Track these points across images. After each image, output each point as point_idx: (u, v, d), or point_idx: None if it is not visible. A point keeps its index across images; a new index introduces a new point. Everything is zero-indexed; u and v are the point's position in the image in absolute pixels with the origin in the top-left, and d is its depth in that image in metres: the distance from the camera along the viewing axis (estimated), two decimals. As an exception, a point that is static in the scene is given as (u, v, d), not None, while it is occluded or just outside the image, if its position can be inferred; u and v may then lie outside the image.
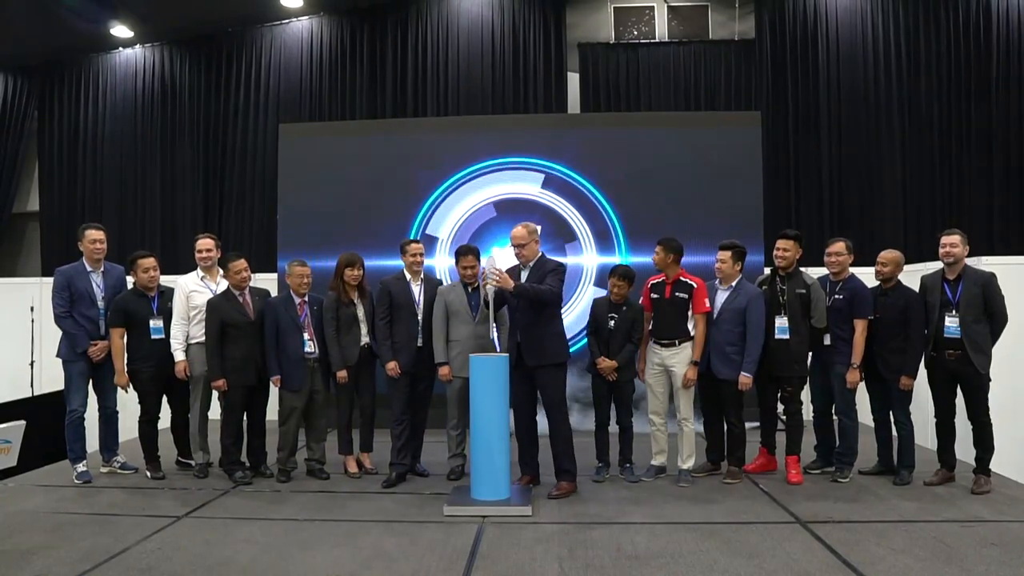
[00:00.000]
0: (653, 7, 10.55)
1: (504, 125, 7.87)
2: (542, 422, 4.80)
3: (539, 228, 4.80)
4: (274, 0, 10.14)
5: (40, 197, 11.30)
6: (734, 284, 4.96)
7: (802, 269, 5.08)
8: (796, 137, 9.72)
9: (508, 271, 4.68)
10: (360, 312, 5.13)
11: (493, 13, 10.31)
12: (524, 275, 4.72)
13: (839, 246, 5.00)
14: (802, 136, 9.72)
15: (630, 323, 5.06)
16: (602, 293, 5.35)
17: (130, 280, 5.29)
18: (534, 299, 4.56)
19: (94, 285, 5.14)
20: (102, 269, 5.22)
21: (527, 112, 9.92)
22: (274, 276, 7.18)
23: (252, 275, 5.15)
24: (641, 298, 5.12)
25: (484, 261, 4.71)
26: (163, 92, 10.89)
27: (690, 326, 4.95)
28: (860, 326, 4.82)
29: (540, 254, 4.77)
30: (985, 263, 5.80)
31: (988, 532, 3.88)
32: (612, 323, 5.07)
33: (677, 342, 4.92)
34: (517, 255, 4.75)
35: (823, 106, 9.67)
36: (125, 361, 5.10)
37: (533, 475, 4.86)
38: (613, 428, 5.19)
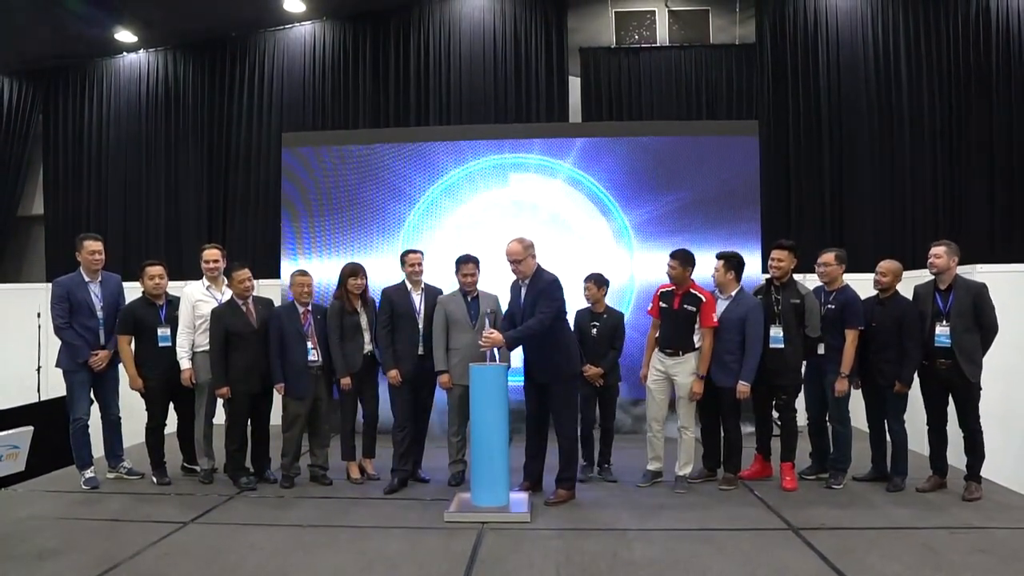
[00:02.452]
0: (654, 11, 10.61)
1: (506, 134, 7.92)
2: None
3: (534, 243, 4.76)
4: (277, 5, 10.22)
5: (44, 201, 11.41)
6: (733, 294, 5.04)
7: (797, 279, 5.15)
8: (796, 141, 9.77)
9: (513, 286, 4.85)
10: (363, 321, 5.22)
11: (495, 18, 10.39)
12: (523, 291, 4.76)
13: (828, 257, 5.08)
14: (802, 140, 9.77)
15: (612, 330, 5.27)
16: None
17: (136, 286, 5.35)
18: (529, 339, 4.65)
19: (92, 295, 5.20)
20: (99, 279, 5.28)
21: (528, 115, 10.00)
22: (278, 282, 7.27)
23: (255, 283, 5.23)
24: (649, 305, 5.24)
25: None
26: (167, 96, 10.99)
27: (696, 338, 5.01)
28: (850, 336, 4.89)
29: (536, 267, 4.75)
30: (980, 271, 5.87)
31: (977, 539, 3.96)
32: (595, 331, 5.27)
33: (681, 352, 5.00)
34: (514, 271, 4.74)
35: (823, 110, 9.72)
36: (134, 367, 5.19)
37: (535, 482, 4.95)
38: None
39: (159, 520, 4.42)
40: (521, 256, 4.68)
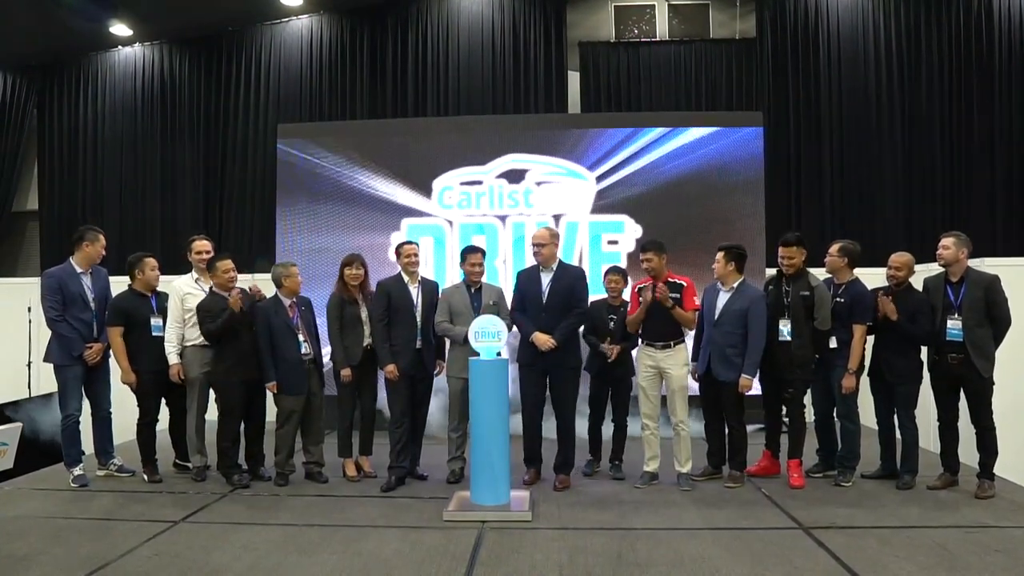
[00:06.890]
0: (654, 5, 10.50)
1: (505, 125, 7.83)
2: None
3: (559, 233, 5.00)
4: (274, -2, 10.11)
5: (39, 195, 11.29)
6: (735, 286, 4.91)
7: (810, 271, 5.00)
8: (797, 136, 9.67)
9: (526, 272, 5.01)
10: (363, 313, 5.11)
11: (494, 12, 10.27)
12: (545, 278, 4.89)
13: (833, 248, 5.03)
14: (803, 135, 9.66)
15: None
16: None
17: (123, 280, 5.23)
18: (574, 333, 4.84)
19: (85, 288, 5.07)
20: (90, 270, 5.15)
21: (527, 110, 9.88)
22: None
23: (254, 275, 5.12)
24: (629, 305, 5.15)
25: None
26: (162, 90, 10.86)
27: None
28: (858, 331, 4.79)
29: (558, 259, 4.92)
30: (988, 264, 5.76)
31: (991, 539, 3.85)
32: (612, 324, 5.21)
33: (672, 343, 4.92)
34: (536, 254, 4.90)
35: (824, 105, 9.62)
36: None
37: (538, 469, 5.03)
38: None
39: (150, 519, 4.30)
40: (547, 241, 4.87)
